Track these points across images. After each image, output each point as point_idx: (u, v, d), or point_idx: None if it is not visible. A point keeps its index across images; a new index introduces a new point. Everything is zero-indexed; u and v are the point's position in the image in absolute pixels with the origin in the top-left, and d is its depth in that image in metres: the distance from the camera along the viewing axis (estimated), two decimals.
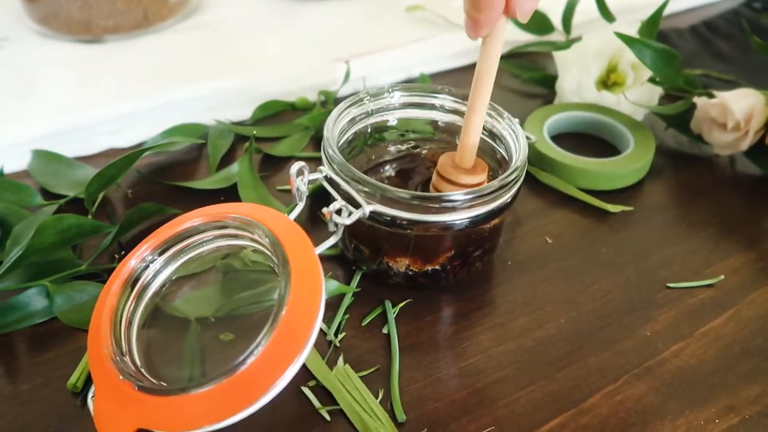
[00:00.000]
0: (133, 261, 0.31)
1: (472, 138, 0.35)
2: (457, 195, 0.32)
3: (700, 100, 0.48)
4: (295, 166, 0.33)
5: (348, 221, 0.31)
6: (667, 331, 0.36)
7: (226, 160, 0.48)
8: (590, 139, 0.52)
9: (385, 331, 0.35)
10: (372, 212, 0.32)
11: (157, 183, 0.45)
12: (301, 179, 0.33)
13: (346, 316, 0.36)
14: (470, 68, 0.62)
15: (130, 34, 0.61)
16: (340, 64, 0.55)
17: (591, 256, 0.41)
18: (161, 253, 0.32)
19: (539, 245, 0.42)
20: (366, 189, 0.32)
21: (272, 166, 0.48)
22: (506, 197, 0.34)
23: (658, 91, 0.52)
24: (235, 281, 0.35)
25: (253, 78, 0.54)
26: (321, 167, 0.34)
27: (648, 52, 0.46)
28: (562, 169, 0.46)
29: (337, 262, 0.39)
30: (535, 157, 0.47)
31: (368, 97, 0.39)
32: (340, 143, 0.38)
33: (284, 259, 0.30)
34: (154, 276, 0.32)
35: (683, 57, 0.48)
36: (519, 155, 0.35)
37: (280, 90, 0.54)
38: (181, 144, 0.47)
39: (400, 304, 0.37)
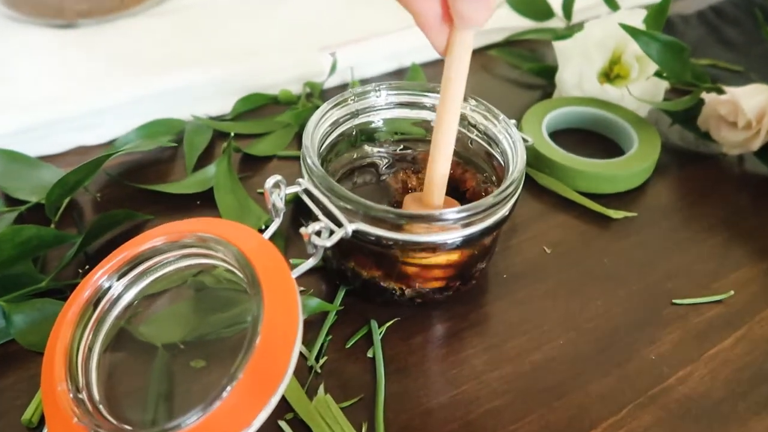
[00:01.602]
0: (89, 289, 0.28)
1: (439, 171, 0.32)
2: (450, 213, 0.29)
3: (708, 96, 0.45)
4: (271, 180, 0.30)
5: (328, 243, 0.28)
6: (672, 354, 0.33)
7: (205, 157, 0.45)
8: (592, 136, 0.49)
9: (370, 354, 0.33)
10: (355, 231, 0.29)
11: (129, 185, 0.42)
12: (277, 194, 0.30)
13: (329, 338, 0.34)
14: None
15: (104, 18, 0.58)
16: (327, 54, 0.52)
17: (592, 267, 0.38)
18: (120, 277, 0.29)
19: (537, 256, 0.39)
20: (348, 206, 0.29)
21: (253, 165, 0.45)
22: (503, 211, 0.31)
23: (664, 85, 0.49)
24: (207, 300, 0.33)
25: (233, 69, 0.50)
26: (300, 179, 0.31)
27: (655, 46, 0.43)
28: (561, 170, 0.43)
29: (319, 276, 0.37)
30: (533, 157, 0.44)
31: (353, 97, 0.36)
32: (323, 148, 0.35)
33: (256, 284, 0.28)
34: (116, 301, 0.30)
35: (689, 45, 0.45)
36: (516, 165, 0.32)
37: (263, 82, 0.50)
38: (151, 146, 0.43)
39: (387, 324, 0.34)
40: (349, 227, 0.29)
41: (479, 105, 0.36)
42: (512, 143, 0.34)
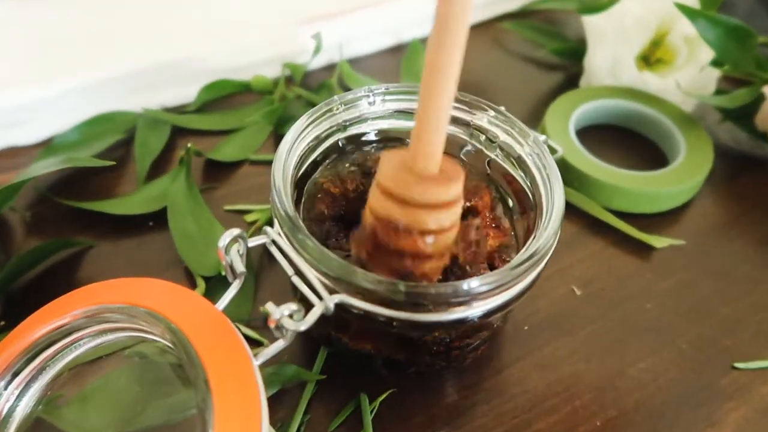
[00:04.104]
0: None
1: (433, 125, 0.20)
2: (473, 287, 0.21)
3: None
4: (225, 238, 0.22)
5: (302, 326, 0.21)
6: None
7: (161, 160, 0.37)
8: (626, 135, 0.41)
9: None
10: (338, 305, 0.22)
11: (62, 204, 0.34)
12: (236, 250, 0.23)
13: (307, 417, 0.27)
14: (475, 30, 0.50)
15: None
16: (310, 28, 0.43)
17: (632, 315, 0.31)
18: (14, 376, 0.22)
19: (564, 298, 0.32)
20: (329, 272, 0.22)
21: (219, 173, 0.37)
22: (536, 271, 0.24)
23: (716, 73, 0.40)
24: (148, 377, 0.26)
25: (196, 48, 0.41)
26: (267, 228, 0.24)
27: (716, 32, 0.35)
28: (594, 185, 0.35)
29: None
30: (559, 168, 0.36)
31: (339, 106, 0.28)
32: (300, 174, 0.27)
33: (203, 375, 0.21)
34: (18, 398, 0.22)
35: (740, 18, 0.37)
36: (552, 210, 0.24)
37: (232, 63, 0.42)
38: (84, 162, 0.34)
39: (380, 398, 0.27)
40: (330, 300, 0.22)
41: (500, 117, 0.28)
42: (546, 176, 0.26)
